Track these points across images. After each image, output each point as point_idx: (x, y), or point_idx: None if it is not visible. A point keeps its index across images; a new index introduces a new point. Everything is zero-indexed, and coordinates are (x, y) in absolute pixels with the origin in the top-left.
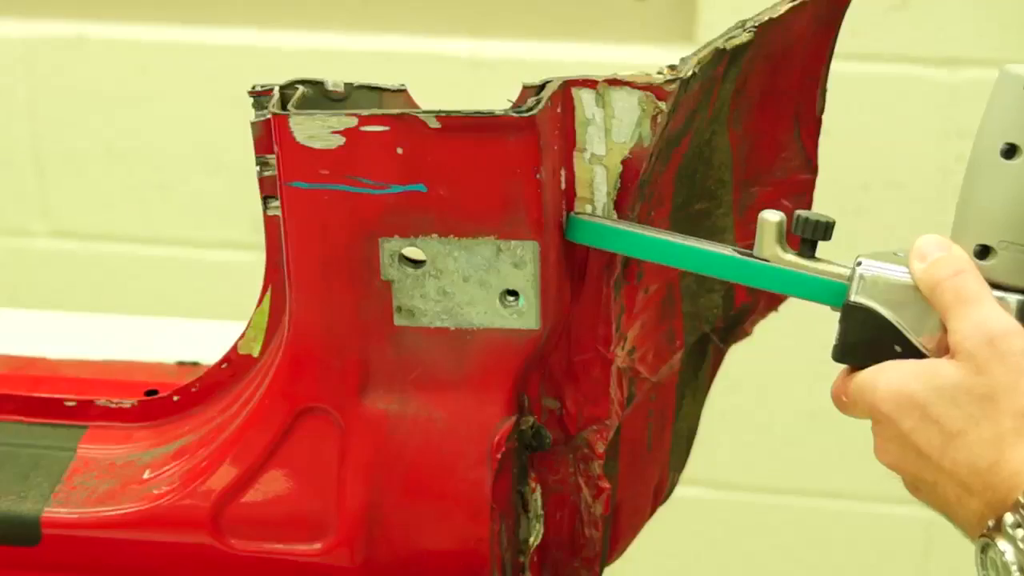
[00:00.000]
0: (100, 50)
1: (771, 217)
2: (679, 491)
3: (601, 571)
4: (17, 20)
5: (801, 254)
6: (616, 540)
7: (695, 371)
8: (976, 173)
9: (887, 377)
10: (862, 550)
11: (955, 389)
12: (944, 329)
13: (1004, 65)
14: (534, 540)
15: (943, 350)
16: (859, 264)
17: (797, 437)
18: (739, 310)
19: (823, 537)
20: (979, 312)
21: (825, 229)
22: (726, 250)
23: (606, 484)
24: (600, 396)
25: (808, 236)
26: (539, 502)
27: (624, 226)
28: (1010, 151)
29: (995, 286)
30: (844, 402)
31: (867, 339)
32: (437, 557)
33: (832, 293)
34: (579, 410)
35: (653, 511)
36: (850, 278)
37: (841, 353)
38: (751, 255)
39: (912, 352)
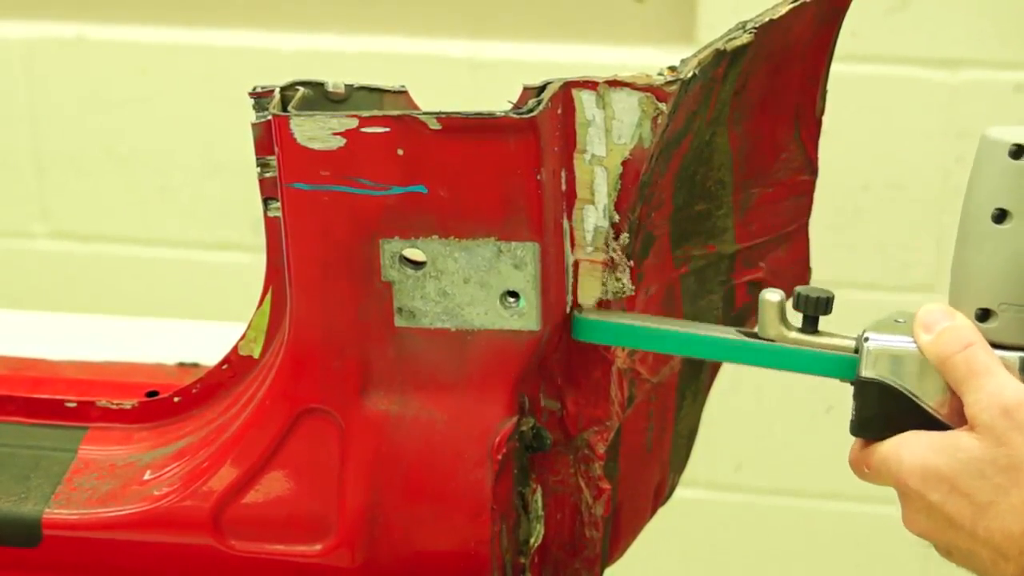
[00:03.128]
0: (100, 51)
1: (771, 297)
2: (679, 492)
3: (602, 572)
4: (17, 20)
5: (804, 330)
6: (616, 541)
7: (695, 372)
8: (969, 238)
9: (910, 452)
10: (862, 551)
11: (979, 462)
12: (954, 392)
13: (985, 131)
14: (535, 541)
15: (955, 412)
16: (866, 340)
17: (797, 438)
18: (739, 311)
19: (823, 538)
20: (992, 384)
21: (826, 304)
22: (731, 334)
23: (606, 485)
24: (600, 397)
25: (810, 312)
26: (540, 503)
27: (629, 320)
28: (1001, 216)
29: (998, 346)
30: (866, 472)
31: (883, 411)
32: (438, 558)
33: (841, 367)
34: (579, 411)
35: (653, 512)
36: (857, 350)
37: (858, 427)
38: (756, 336)
39: (927, 419)
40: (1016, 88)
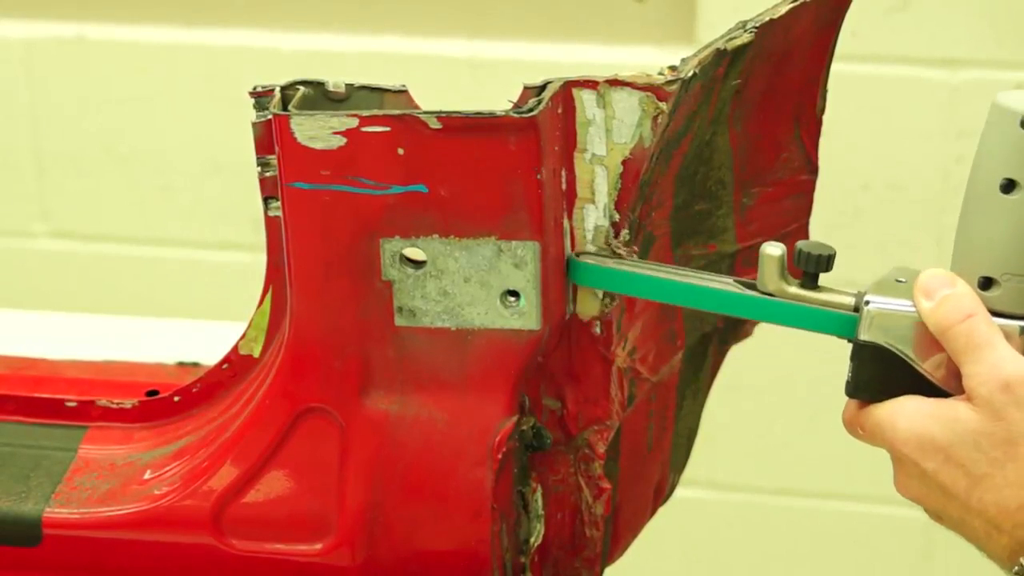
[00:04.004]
0: (100, 50)
1: (772, 251)
2: (679, 491)
3: (602, 571)
4: (17, 20)
5: (804, 286)
6: (617, 540)
7: (696, 372)
8: (975, 207)
9: (906, 417)
10: (862, 551)
11: (976, 434)
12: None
13: (996, 96)
14: (535, 540)
15: (954, 377)
16: (867, 303)
17: (797, 438)
18: None
19: (823, 538)
20: (992, 356)
21: (827, 261)
22: (730, 286)
23: (607, 484)
24: (601, 396)
25: (811, 269)
26: (540, 502)
27: (627, 267)
28: (1009, 186)
29: (998, 314)
30: (860, 434)
31: (879, 374)
32: (438, 557)
33: (839, 325)
34: (580, 410)
35: (654, 511)
36: (856, 308)
37: (854, 389)
38: (756, 289)
39: (925, 384)
40: (1016, 88)
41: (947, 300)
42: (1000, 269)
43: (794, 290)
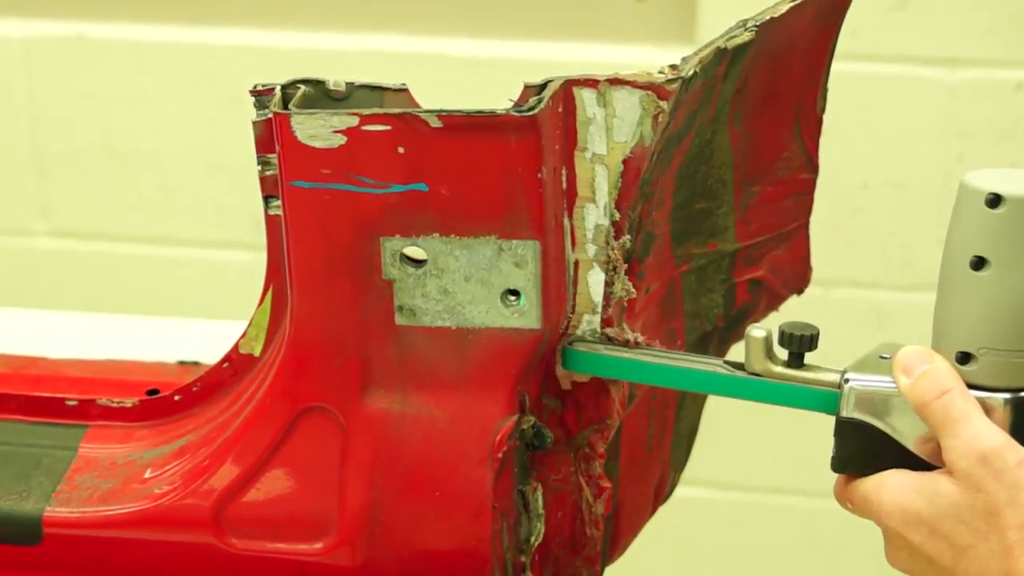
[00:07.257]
0: (100, 50)
1: (757, 333)
2: (679, 491)
3: (602, 570)
4: (17, 20)
5: (789, 365)
6: (617, 539)
7: None
8: (949, 284)
9: (891, 492)
10: (862, 550)
11: (958, 507)
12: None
13: (964, 176)
14: (535, 539)
15: (936, 450)
16: (847, 380)
17: (797, 437)
18: (740, 309)
19: (823, 537)
20: (969, 430)
21: (810, 341)
22: (720, 368)
23: (607, 483)
24: (601, 396)
25: (794, 349)
26: (540, 501)
27: (619, 353)
28: (979, 263)
29: (980, 388)
30: (849, 507)
31: (863, 450)
32: (438, 556)
33: (824, 402)
34: (580, 410)
35: (654, 510)
36: (839, 386)
37: (840, 465)
38: (743, 371)
39: (908, 457)
40: (1016, 87)
41: (925, 376)
42: (976, 344)
43: (780, 370)
